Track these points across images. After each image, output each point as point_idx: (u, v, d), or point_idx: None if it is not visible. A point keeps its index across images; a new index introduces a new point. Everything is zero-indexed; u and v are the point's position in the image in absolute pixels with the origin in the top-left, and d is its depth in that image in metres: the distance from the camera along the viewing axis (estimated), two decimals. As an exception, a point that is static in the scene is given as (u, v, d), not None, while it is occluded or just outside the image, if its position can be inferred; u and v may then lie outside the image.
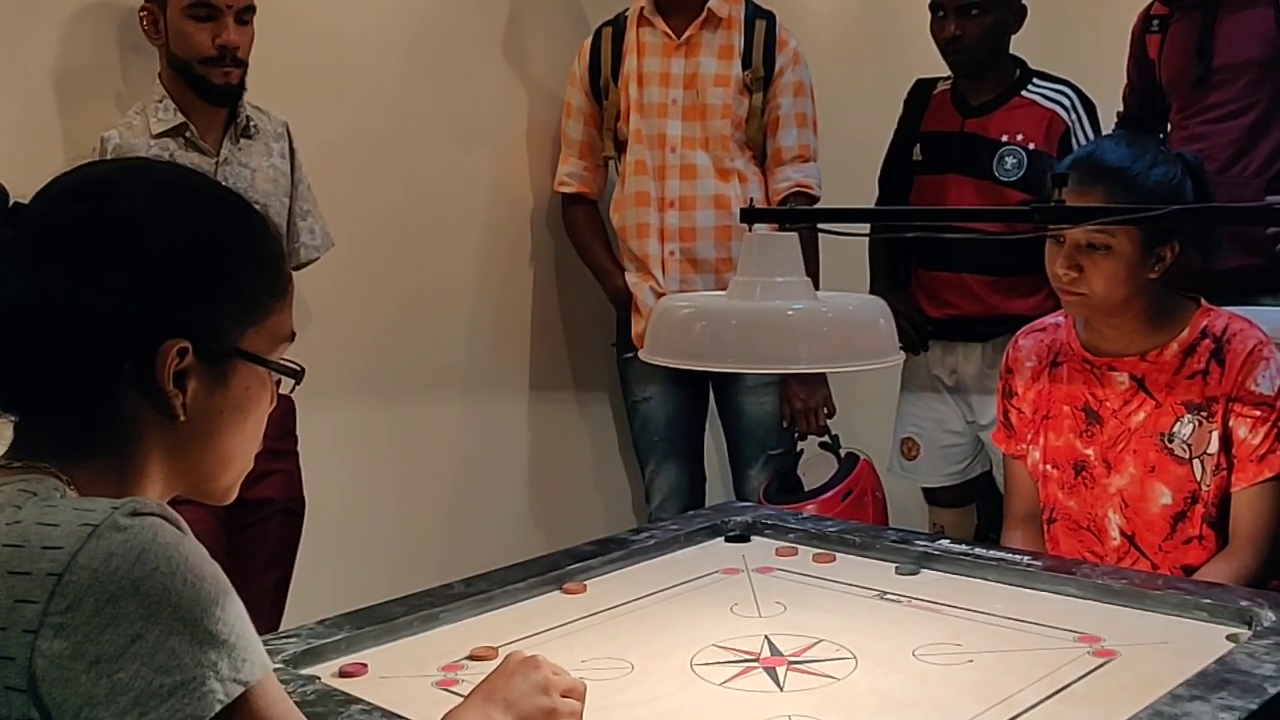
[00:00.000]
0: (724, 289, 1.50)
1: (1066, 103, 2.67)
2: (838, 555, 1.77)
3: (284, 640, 1.39)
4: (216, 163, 2.29)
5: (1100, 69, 2.79)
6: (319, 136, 2.60)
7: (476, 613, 1.54)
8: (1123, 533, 1.85)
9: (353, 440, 2.81)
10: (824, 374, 2.79)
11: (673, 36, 2.82)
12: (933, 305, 2.80)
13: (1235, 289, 2.24)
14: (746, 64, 2.80)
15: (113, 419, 0.92)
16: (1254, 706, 1.17)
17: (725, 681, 1.34)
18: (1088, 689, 1.29)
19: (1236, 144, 2.46)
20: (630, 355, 2.90)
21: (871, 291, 2.73)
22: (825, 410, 2.85)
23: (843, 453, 2.82)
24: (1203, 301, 1.86)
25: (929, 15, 2.71)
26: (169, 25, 2.23)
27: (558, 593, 1.63)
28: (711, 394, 3.02)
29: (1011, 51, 2.73)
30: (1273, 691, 1.20)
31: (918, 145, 2.80)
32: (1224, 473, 1.79)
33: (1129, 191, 1.75)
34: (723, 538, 1.87)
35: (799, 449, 2.91)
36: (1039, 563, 1.67)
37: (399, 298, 2.90)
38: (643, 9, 2.84)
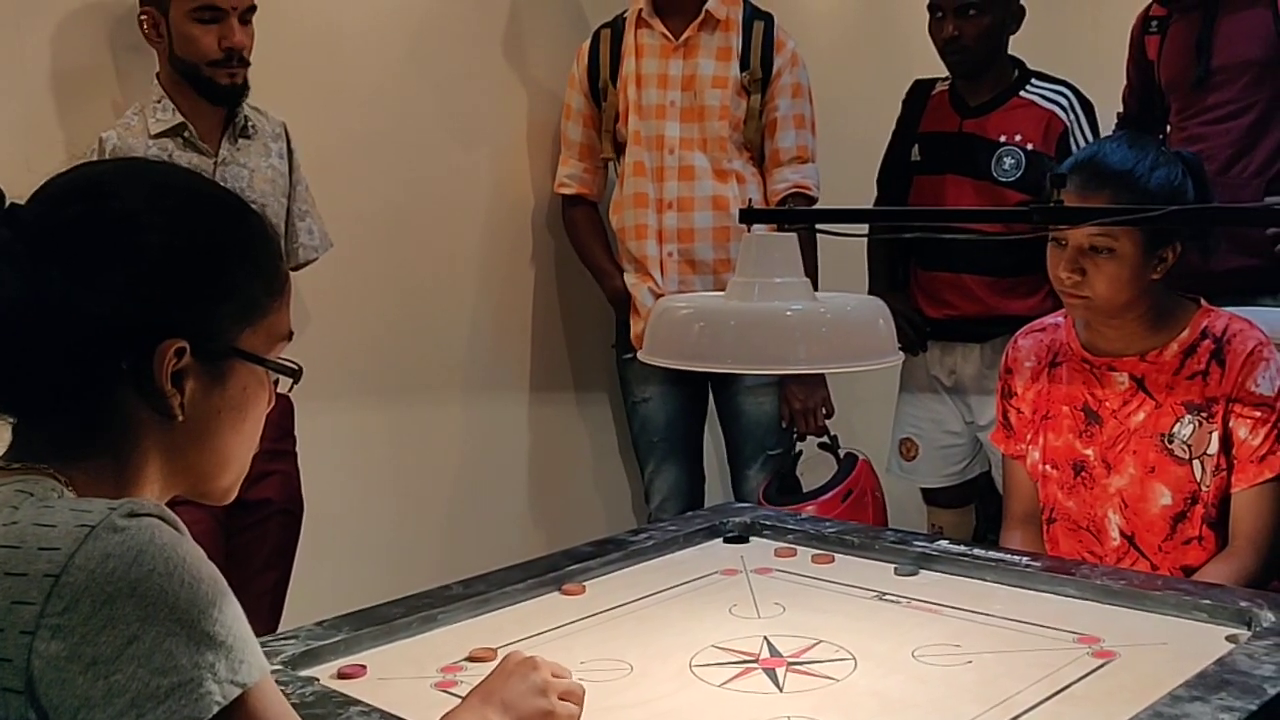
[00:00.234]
0: (722, 290, 1.50)
1: (1065, 103, 2.67)
2: (836, 556, 1.77)
3: (283, 642, 1.39)
4: (215, 163, 2.29)
5: (1099, 69, 2.79)
6: (320, 137, 2.60)
7: (475, 614, 1.54)
8: (1122, 533, 1.85)
9: (351, 441, 2.81)
10: (823, 374, 2.79)
11: (671, 38, 2.82)
12: (931, 306, 2.80)
13: (1235, 290, 2.24)
14: (744, 65, 2.80)
15: (110, 419, 0.92)
16: (1254, 707, 1.17)
17: (724, 683, 1.34)
18: (1087, 690, 1.29)
19: (1236, 145, 2.46)
20: (629, 356, 2.90)
21: (870, 292, 2.72)
22: (824, 411, 2.85)
23: (841, 453, 2.82)
24: (1203, 302, 1.86)
25: (927, 16, 2.71)
26: (172, 28, 2.23)
27: (557, 594, 1.63)
28: (711, 394, 3.02)
29: (1010, 52, 2.73)
30: (1272, 692, 1.20)
31: (916, 146, 2.80)
32: (1224, 473, 1.79)
33: (1133, 194, 1.74)
34: (721, 539, 1.87)
35: (798, 449, 2.91)
36: (1038, 563, 1.66)
37: (398, 298, 2.90)
38: (641, 11, 2.84)
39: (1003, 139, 2.67)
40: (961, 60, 2.69)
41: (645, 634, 1.49)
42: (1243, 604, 1.47)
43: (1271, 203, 2.41)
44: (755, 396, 2.90)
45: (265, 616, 2.28)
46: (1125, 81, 2.72)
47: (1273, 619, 1.41)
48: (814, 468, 2.88)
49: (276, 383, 1.01)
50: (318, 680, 1.31)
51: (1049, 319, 1.99)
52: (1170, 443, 1.81)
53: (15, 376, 0.91)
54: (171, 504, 0.89)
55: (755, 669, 1.38)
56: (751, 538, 1.87)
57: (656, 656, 1.41)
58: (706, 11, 2.80)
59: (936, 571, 1.69)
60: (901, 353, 1.54)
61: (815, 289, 1.47)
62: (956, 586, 1.63)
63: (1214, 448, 1.79)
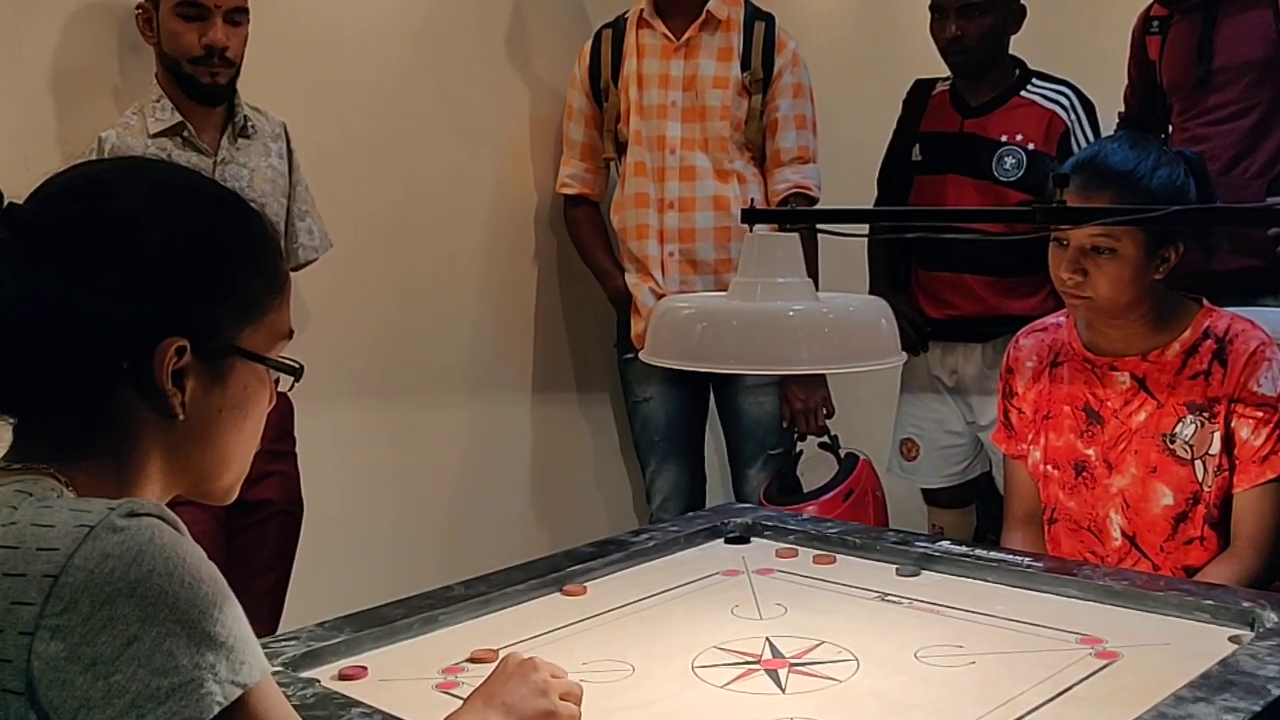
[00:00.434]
0: (723, 290, 1.50)
1: (1066, 103, 2.67)
2: (838, 557, 1.76)
3: (283, 643, 1.39)
4: (215, 163, 2.28)
5: (1099, 69, 2.79)
6: (321, 137, 2.60)
7: (477, 615, 1.54)
8: (1124, 533, 1.85)
9: (352, 442, 2.80)
10: (823, 374, 2.79)
11: (672, 38, 2.82)
12: (932, 306, 2.79)
13: (1237, 290, 2.24)
14: (745, 66, 2.80)
15: (111, 419, 0.91)
16: (1258, 708, 1.16)
17: (727, 684, 1.34)
18: (1090, 691, 1.28)
19: (1238, 145, 2.45)
20: (631, 356, 2.90)
21: (871, 292, 2.72)
22: (824, 410, 2.85)
23: (842, 453, 2.82)
24: (1205, 302, 1.86)
25: (928, 16, 2.71)
26: (160, 24, 2.24)
27: (558, 595, 1.62)
28: (712, 394, 3.02)
29: (1010, 52, 2.73)
30: (1276, 693, 1.20)
31: (917, 145, 2.80)
32: (1226, 474, 1.79)
33: (1134, 194, 1.74)
34: (723, 539, 1.87)
35: (798, 449, 2.90)
36: (1040, 564, 1.66)
37: (399, 299, 2.89)
38: (642, 11, 2.84)
39: (1004, 139, 2.67)
40: (963, 60, 2.69)
41: (647, 635, 1.49)
42: (1246, 604, 1.47)
43: (1273, 203, 2.41)
44: (756, 396, 2.90)
45: (265, 618, 2.28)
46: (1126, 81, 2.72)
47: (1276, 619, 1.41)
48: (814, 467, 2.88)
49: (277, 381, 1.01)
50: (318, 682, 1.31)
51: (1050, 319, 1.98)
52: (1172, 443, 1.80)
53: (15, 376, 0.91)
54: (171, 504, 0.89)
55: (757, 670, 1.37)
56: (753, 538, 1.87)
57: (658, 657, 1.41)
58: (708, 12, 2.80)
59: (938, 572, 1.68)
60: (903, 353, 1.54)
61: (817, 289, 1.47)
62: (958, 587, 1.63)
63: (1216, 448, 1.78)
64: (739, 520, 1.90)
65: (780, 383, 2.87)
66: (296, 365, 1.00)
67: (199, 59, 2.22)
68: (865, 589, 1.63)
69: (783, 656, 1.40)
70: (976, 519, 3.01)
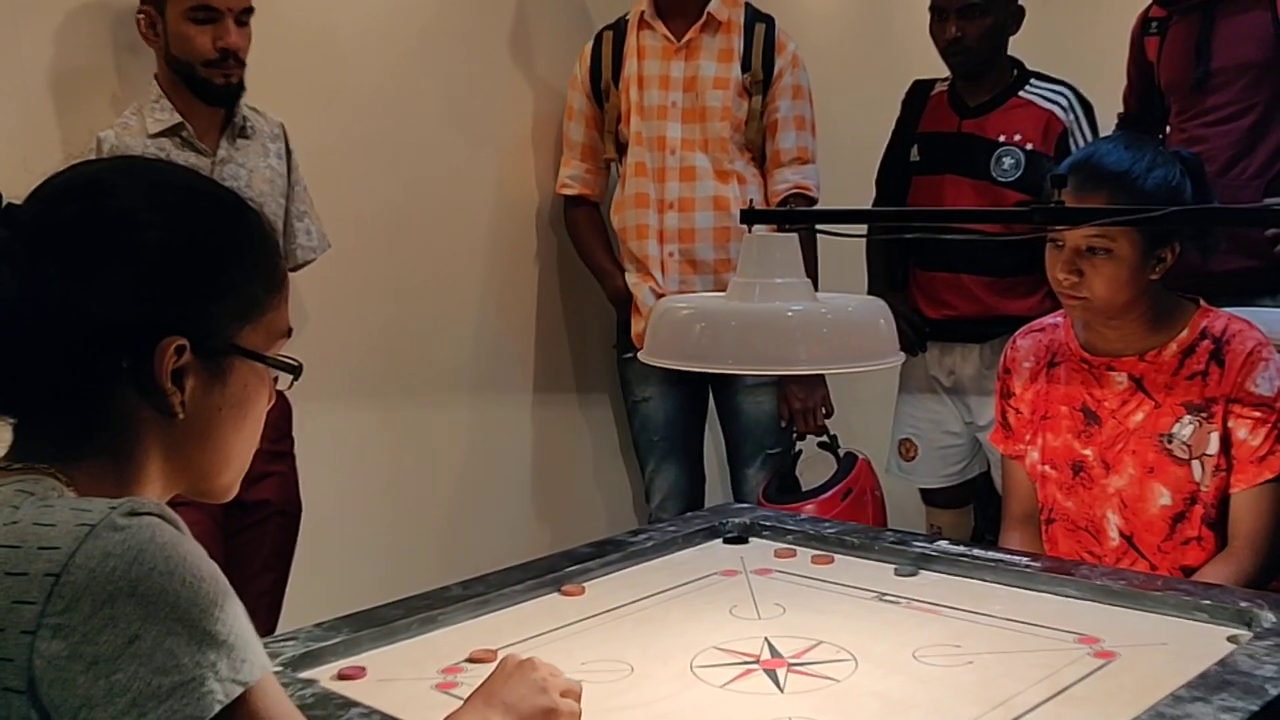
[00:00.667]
0: (723, 290, 1.50)
1: (1064, 103, 2.67)
2: (836, 557, 1.76)
3: (282, 643, 1.39)
4: (213, 163, 2.28)
5: (1099, 69, 2.79)
6: (320, 137, 2.60)
7: (475, 615, 1.54)
8: (1121, 533, 1.85)
9: (350, 442, 2.80)
10: (822, 374, 2.79)
11: (673, 39, 2.82)
12: (931, 306, 2.80)
13: (1234, 290, 2.24)
14: (746, 67, 2.81)
15: (111, 418, 0.91)
16: (1255, 708, 1.17)
17: (726, 684, 1.34)
18: (1088, 690, 1.28)
19: (1235, 146, 2.45)
20: (630, 356, 2.90)
21: (869, 292, 2.72)
22: (823, 410, 2.85)
23: (841, 452, 2.82)
24: (1202, 302, 1.86)
25: (927, 17, 2.71)
26: (168, 28, 2.23)
27: (556, 595, 1.62)
28: (710, 394, 3.02)
29: (1009, 52, 2.73)
30: (1274, 693, 1.20)
31: (915, 146, 2.80)
32: (1223, 474, 1.79)
33: (1130, 195, 1.74)
34: (721, 539, 1.87)
35: (797, 449, 2.91)
36: (1038, 564, 1.66)
37: (399, 299, 2.89)
38: (643, 12, 2.85)
39: (1002, 139, 2.67)
40: (964, 61, 2.69)
41: (645, 635, 1.49)
42: (1243, 604, 1.47)
43: (1271, 203, 2.41)
44: (754, 396, 2.90)
45: (263, 618, 2.27)
46: (1125, 81, 2.72)
47: (1273, 619, 1.41)
48: (813, 467, 2.88)
49: (276, 380, 1.01)
50: (317, 682, 1.31)
51: (1048, 319, 1.99)
52: (1169, 443, 1.81)
53: (15, 376, 0.91)
54: (170, 504, 0.89)
55: (756, 670, 1.37)
56: (751, 538, 1.87)
57: (657, 657, 1.41)
58: (708, 13, 2.80)
59: (936, 572, 1.68)
60: (901, 353, 1.54)
61: (815, 289, 1.47)
62: (956, 587, 1.63)
63: (1213, 448, 1.78)
64: (737, 520, 1.90)
65: (779, 383, 2.87)
66: (296, 363, 1.00)
67: (213, 62, 2.22)
68: (863, 589, 1.63)
69: (781, 656, 1.40)
70: (974, 519, 3.01)
